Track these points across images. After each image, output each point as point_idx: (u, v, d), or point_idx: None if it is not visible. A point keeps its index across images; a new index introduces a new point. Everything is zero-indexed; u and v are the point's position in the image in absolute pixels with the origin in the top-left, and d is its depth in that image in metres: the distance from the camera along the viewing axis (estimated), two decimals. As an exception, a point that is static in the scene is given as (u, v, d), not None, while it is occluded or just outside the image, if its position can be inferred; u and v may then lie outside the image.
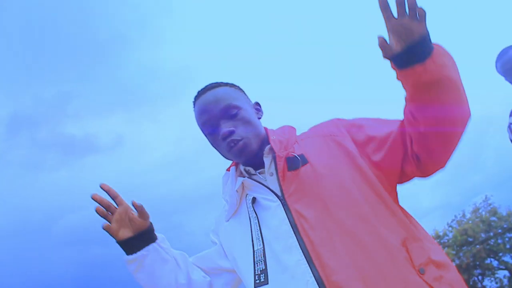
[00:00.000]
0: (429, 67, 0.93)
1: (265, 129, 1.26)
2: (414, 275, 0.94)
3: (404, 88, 1.00)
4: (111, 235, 1.23)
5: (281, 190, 1.09)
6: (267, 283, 1.04)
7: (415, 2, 0.90)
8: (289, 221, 1.04)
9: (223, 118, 1.18)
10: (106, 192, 1.23)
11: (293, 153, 1.14)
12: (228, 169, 1.31)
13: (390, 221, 1.03)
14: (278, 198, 1.09)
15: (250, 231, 1.12)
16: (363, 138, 1.13)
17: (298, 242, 1.01)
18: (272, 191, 1.11)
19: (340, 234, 0.99)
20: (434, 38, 0.96)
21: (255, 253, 1.09)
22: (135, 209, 1.22)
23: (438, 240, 22.84)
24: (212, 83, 1.24)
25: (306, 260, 0.98)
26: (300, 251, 1.00)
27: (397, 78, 0.99)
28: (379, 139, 1.10)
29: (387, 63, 0.98)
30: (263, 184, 1.14)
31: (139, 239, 1.23)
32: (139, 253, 1.21)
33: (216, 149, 1.24)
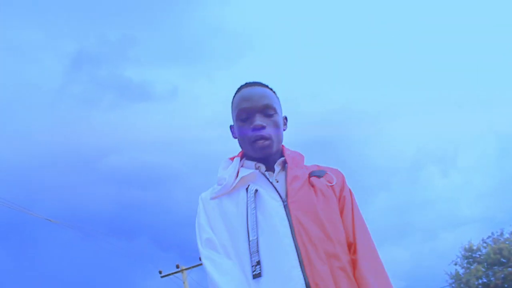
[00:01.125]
0: None
1: (282, 145, 1.38)
2: None
3: None
4: None
5: (286, 195, 1.20)
6: (261, 276, 1.10)
7: None
8: (289, 223, 1.15)
9: (261, 113, 1.29)
10: None
11: (297, 173, 1.28)
12: (231, 159, 1.38)
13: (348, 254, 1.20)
14: (281, 199, 1.20)
15: (246, 218, 1.18)
16: (348, 212, 1.28)
17: (294, 245, 1.11)
18: (278, 192, 1.21)
19: (327, 252, 1.13)
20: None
21: (251, 243, 1.14)
22: None
23: (469, 254, 22.20)
24: (262, 82, 1.37)
25: (299, 264, 1.09)
26: (296, 254, 1.10)
27: None
28: (346, 226, 1.26)
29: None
30: (271, 183, 1.24)
31: None
32: None
33: (238, 135, 1.35)
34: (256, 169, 1.29)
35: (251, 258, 1.13)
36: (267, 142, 1.27)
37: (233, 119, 1.37)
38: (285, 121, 1.41)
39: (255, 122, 1.27)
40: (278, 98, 1.39)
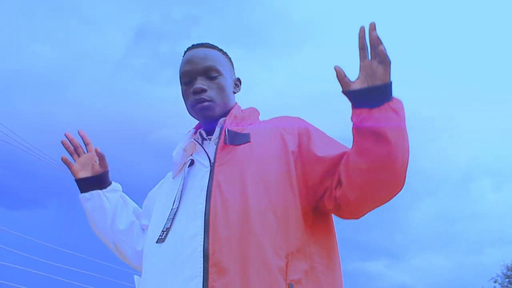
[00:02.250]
0: (374, 115, 0.94)
1: (235, 104, 1.31)
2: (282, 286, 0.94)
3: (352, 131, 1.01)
4: (71, 172, 1.37)
5: (214, 158, 1.13)
6: (163, 242, 1.08)
7: (385, 50, 0.93)
8: (207, 188, 1.08)
9: (202, 75, 1.24)
10: (81, 138, 1.40)
11: (236, 130, 1.18)
12: (195, 128, 1.34)
13: (287, 231, 1.02)
14: (210, 164, 1.14)
15: (176, 191, 1.16)
16: (306, 148, 1.12)
17: (205, 210, 1.04)
18: (209, 157, 1.16)
19: (241, 219, 1.01)
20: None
21: (170, 212, 1.13)
22: (97, 155, 1.36)
23: (511, 273, 21.20)
24: (209, 43, 1.31)
25: (204, 229, 1.02)
26: (203, 220, 1.03)
27: (350, 118, 1.01)
28: (316, 159, 1.09)
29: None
30: (204, 149, 1.19)
31: (92, 181, 1.36)
32: (83, 194, 1.36)
33: (184, 102, 1.30)
34: (195, 138, 1.26)
35: (165, 225, 1.12)
36: (206, 104, 1.21)
37: (180, 84, 1.32)
38: (238, 83, 1.35)
39: (195, 85, 1.22)
40: (228, 59, 1.33)
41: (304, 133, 1.16)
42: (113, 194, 1.38)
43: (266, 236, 0.99)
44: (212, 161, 1.14)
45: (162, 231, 1.11)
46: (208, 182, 1.10)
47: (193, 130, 1.33)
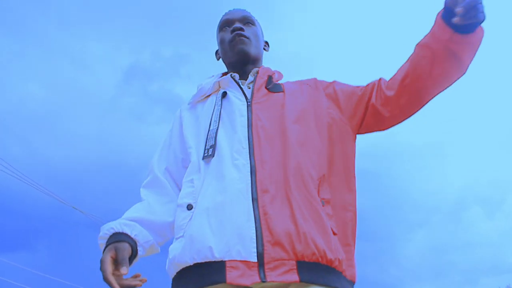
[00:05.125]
0: (468, 39, 1.07)
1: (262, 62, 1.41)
2: (316, 201, 1.06)
3: (451, 48, 1.09)
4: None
5: (252, 96, 1.23)
6: (213, 156, 1.14)
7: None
8: (248, 118, 1.18)
9: (240, 22, 1.37)
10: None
11: (276, 80, 1.31)
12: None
13: (321, 159, 1.16)
14: (246, 100, 1.23)
15: (211, 115, 1.24)
16: (333, 90, 1.29)
17: (248, 135, 1.14)
18: (245, 94, 1.25)
19: (282, 147, 1.12)
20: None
21: (210, 132, 1.20)
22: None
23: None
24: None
25: (249, 149, 1.12)
26: (247, 142, 1.13)
27: (451, 39, 1.07)
28: (349, 90, 1.28)
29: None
30: (240, 87, 1.27)
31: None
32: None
33: (219, 44, 1.40)
34: (231, 77, 1.31)
35: (206, 143, 1.18)
36: (245, 39, 1.32)
37: (217, 39, 1.42)
38: (267, 44, 1.47)
39: (235, 25, 1.34)
40: (260, 25, 1.45)
41: (328, 85, 1.31)
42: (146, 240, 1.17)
43: (303, 162, 1.11)
44: (249, 98, 1.23)
45: (207, 148, 1.16)
46: (247, 113, 1.19)
47: (220, 73, 1.39)
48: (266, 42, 1.48)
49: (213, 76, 1.39)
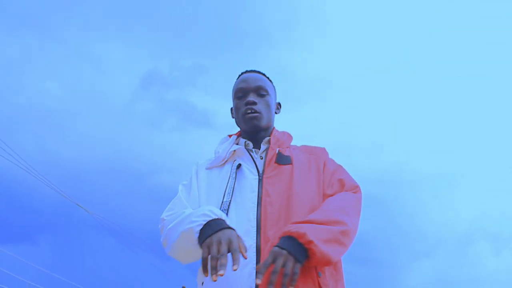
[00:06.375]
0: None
1: (274, 128, 1.56)
2: (313, 275, 1.23)
3: None
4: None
5: (263, 170, 1.37)
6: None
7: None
8: (258, 194, 1.31)
9: (254, 92, 1.49)
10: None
11: (284, 152, 1.44)
12: (230, 136, 1.58)
13: None
14: (258, 174, 1.37)
15: (226, 186, 1.36)
16: (329, 174, 1.43)
17: (257, 212, 1.28)
18: (257, 167, 1.39)
19: (285, 223, 1.26)
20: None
21: (223, 203, 1.31)
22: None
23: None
24: (260, 71, 1.58)
25: (256, 227, 1.25)
26: (255, 221, 1.26)
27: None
28: (333, 184, 1.41)
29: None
30: (253, 159, 1.42)
31: None
32: None
33: (234, 111, 1.55)
34: (245, 146, 1.47)
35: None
36: (256, 114, 1.45)
37: (232, 100, 1.56)
38: (279, 106, 1.61)
39: (249, 98, 1.47)
40: (273, 86, 1.59)
41: (330, 162, 1.47)
42: None
43: None
44: (260, 172, 1.37)
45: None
46: (258, 189, 1.32)
47: (234, 137, 1.53)
48: (279, 104, 1.62)
49: (227, 137, 1.56)
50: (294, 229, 1.15)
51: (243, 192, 1.32)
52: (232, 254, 1.07)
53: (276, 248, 1.12)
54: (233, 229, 1.15)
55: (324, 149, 1.54)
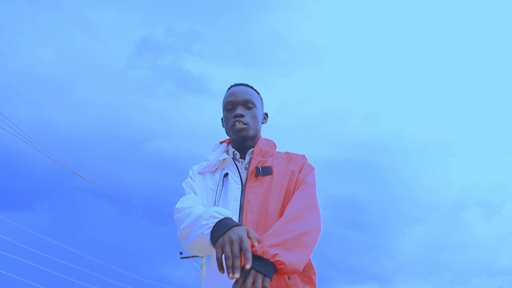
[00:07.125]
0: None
1: (260, 136, 1.71)
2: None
3: None
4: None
5: (246, 180, 1.55)
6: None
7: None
8: (240, 202, 1.50)
9: (242, 105, 1.64)
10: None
11: (264, 164, 1.59)
12: (221, 143, 1.74)
13: None
14: (241, 184, 1.55)
15: (215, 192, 1.56)
16: (302, 177, 1.58)
17: (239, 219, 1.46)
18: (241, 177, 1.57)
19: (263, 231, 1.41)
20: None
21: None
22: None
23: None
24: (248, 84, 1.74)
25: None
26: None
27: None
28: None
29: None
30: (238, 170, 1.59)
31: None
32: None
33: (224, 122, 1.70)
34: (233, 156, 1.64)
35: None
36: (244, 126, 1.60)
37: (222, 111, 1.71)
38: (265, 116, 1.78)
39: (237, 111, 1.61)
40: (260, 98, 1.75)
41: (306, 169, 1.61)
42: None
43: None
44: (243, 182, 1.55)
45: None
46: (241, 197, 1.51)
47: (224, 145, 1.71)
48: (266, 114, 1.79)
49: (218, 144, 1.72)
50: (258, 249, 1.25)
51: (228, 199, 1.51)
52: (243, 253, 1.19)
53: (246, 270, 1.22)
54: (241, 225, 1.28)
55: (303, 156, 1.68)
